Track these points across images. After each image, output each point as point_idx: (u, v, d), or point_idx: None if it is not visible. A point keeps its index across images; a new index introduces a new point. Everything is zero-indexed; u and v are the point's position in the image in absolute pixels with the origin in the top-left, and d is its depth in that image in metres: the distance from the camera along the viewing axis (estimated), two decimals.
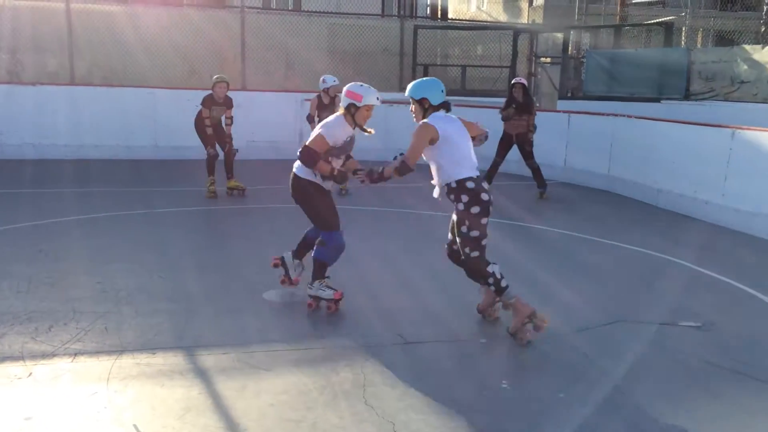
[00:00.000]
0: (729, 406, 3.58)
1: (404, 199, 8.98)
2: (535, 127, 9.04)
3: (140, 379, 3.64)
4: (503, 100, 9.50)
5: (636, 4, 18.19)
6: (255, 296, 5.00)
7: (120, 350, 3.98)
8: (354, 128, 4.68)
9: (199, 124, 8.53)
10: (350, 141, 4.72)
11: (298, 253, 5.07)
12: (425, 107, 4.38)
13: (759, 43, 11.56)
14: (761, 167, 7.31)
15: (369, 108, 4.64)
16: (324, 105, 8.99)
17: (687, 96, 11.49)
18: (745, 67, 10.61)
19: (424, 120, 4.31)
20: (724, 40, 15.99)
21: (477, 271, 4.29)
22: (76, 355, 3.90)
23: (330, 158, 4.59)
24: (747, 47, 10.97)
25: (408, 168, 4.23)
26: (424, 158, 4.35)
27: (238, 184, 8.78)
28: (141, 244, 6.34)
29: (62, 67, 12.22)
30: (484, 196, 4.21)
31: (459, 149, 4.27)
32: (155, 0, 13.89)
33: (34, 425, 3.16)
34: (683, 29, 14.60)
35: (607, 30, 15.25)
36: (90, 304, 4.70)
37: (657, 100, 11.65)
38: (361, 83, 4.73)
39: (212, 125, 8.47)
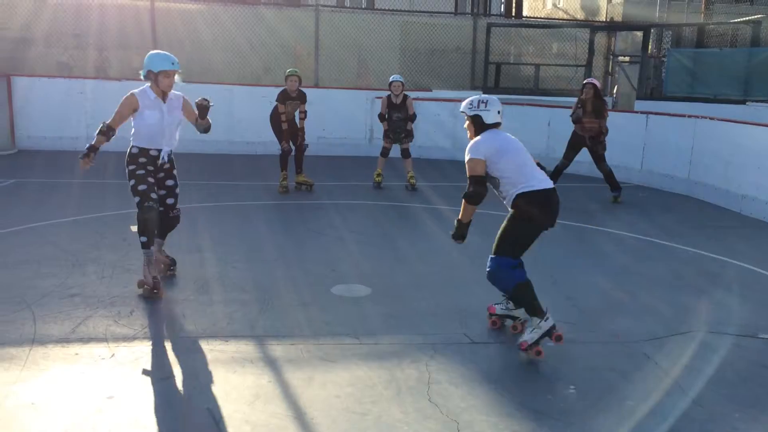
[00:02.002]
0: None
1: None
2: (606, 130, 8.79)
3: (213, 365, 3.79)
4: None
5: (722, 1, 17.41)
6: (323, 290, 5.10)
7: (196, 336, 4.15)
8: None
9: (275, 119, 8.72)
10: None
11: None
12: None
13: None
14: None
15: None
16: (393, 104, 9.06)
17: None
18: None
19: (133, 91, 4.96)
20: None
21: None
22: (154, 338, 4.09)
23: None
24: None
25: (113, 129, 4.82)
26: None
27: (307, 179, 8.94)
28: (215, 236, 6.56)
29: None
30: (141, 160, 4.89)
31: (142, 120, 4.90)
32: None
33: (116, 404, 3.34)
34: None
35: (690, 28, 14.67)
36: (168, 291, 4.92)
37: (742, 101, 11.13)
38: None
39: (286, 120, 8.65)
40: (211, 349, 3.99)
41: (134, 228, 4.90)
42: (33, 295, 4.70)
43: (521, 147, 4.23)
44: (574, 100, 9.43)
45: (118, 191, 8.43)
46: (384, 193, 9.08)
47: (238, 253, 5.98)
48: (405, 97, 9.09)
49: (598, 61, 13.92)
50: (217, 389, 3.52)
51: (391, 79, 9.11)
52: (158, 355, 3.89)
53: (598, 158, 8.87)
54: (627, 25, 15.90)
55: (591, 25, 14.38)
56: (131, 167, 4.90)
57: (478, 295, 5.11)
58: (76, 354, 3.86)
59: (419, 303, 4.90)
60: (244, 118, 11.73)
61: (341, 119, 12.20)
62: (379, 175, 9.29)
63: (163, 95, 5.01)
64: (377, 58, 13.57)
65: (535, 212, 4.08)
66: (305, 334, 4.27)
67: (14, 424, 3.12)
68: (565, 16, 19.74)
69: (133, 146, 4.95)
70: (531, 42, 14.96)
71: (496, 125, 4.24)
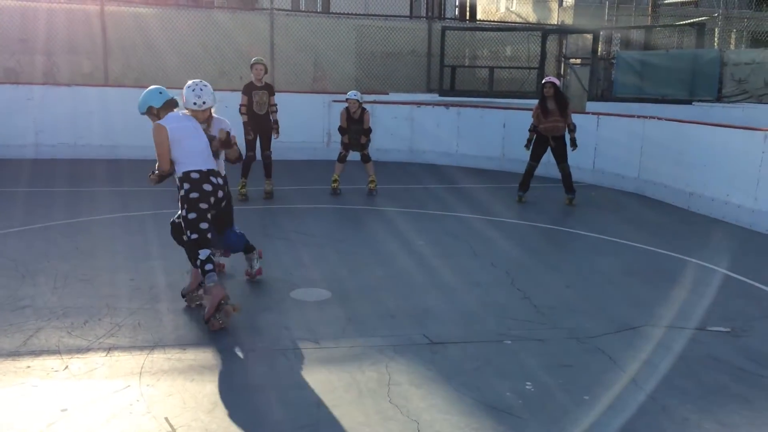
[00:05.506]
0: (759, 414, 3.54)
1: (420, 200, 9.02)
2: (574, 126, 8.76)
3: (171, 374, 3.73)
4: (532, 101, 9.43)
5: (668, 4, 17.95)
6: (283, 295, 5.08)
7: (152, 345, 4.08)
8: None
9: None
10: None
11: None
12: (154, 114, 4.63)
13: None
14: None
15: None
16: (352, 118, 9.04)
17: (719, 98, 11.33)
18: None
19: (157, 122, 4.56)
20: (759, 41, 15.70)
21: (191, 252, 4.60)
22: (110, 349, 4.01)
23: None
24: None
25: (165, 174, 4.56)
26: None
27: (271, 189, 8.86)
28: (172, 242, 6.44)
29: (96, 68, 12.48)
30: (207, 187, 4.48)
31: (187, 145, 4.52)
32: (186, 2, 14.08)
33: (70, 417, 3.26)
34: (716, 30, 14.35)
35: (638, 30, 15.09)
36: (123, 300, 4.83)
37: (689, 101, 11.52)
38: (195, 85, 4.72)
39: (250, 113, 8.43)
40: (168, 357, 3.93)
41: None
42: None
43: None
44: (528, 101, 9.57)
45: (67, 200, 8.27)
46: (342, 197, 9.07)
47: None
48: (363, 111, 9.06)
49: (550, 64, 14.21)
50: (174, 398, 3.47)
51: (347, 95, 9.06)
52: (113, 366, 3.81)
53: (560, 158, 8.85)
54: (577, 29, 16.27)
55: (543, 29, 14.67)
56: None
57: (435, 297, 5.16)
58: (28, 367, 3.76)
59: (378, 306, 4.92)
60: None
61: (298, 123, 12.14)
62: (335, 181, 9.25)
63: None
64: (333, 61, 13.57)
65: None
66: (264, 340, 4.24)
67: None
68: (518, 20, 20.06)
69: None
70: (485, 45, 15.17)
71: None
